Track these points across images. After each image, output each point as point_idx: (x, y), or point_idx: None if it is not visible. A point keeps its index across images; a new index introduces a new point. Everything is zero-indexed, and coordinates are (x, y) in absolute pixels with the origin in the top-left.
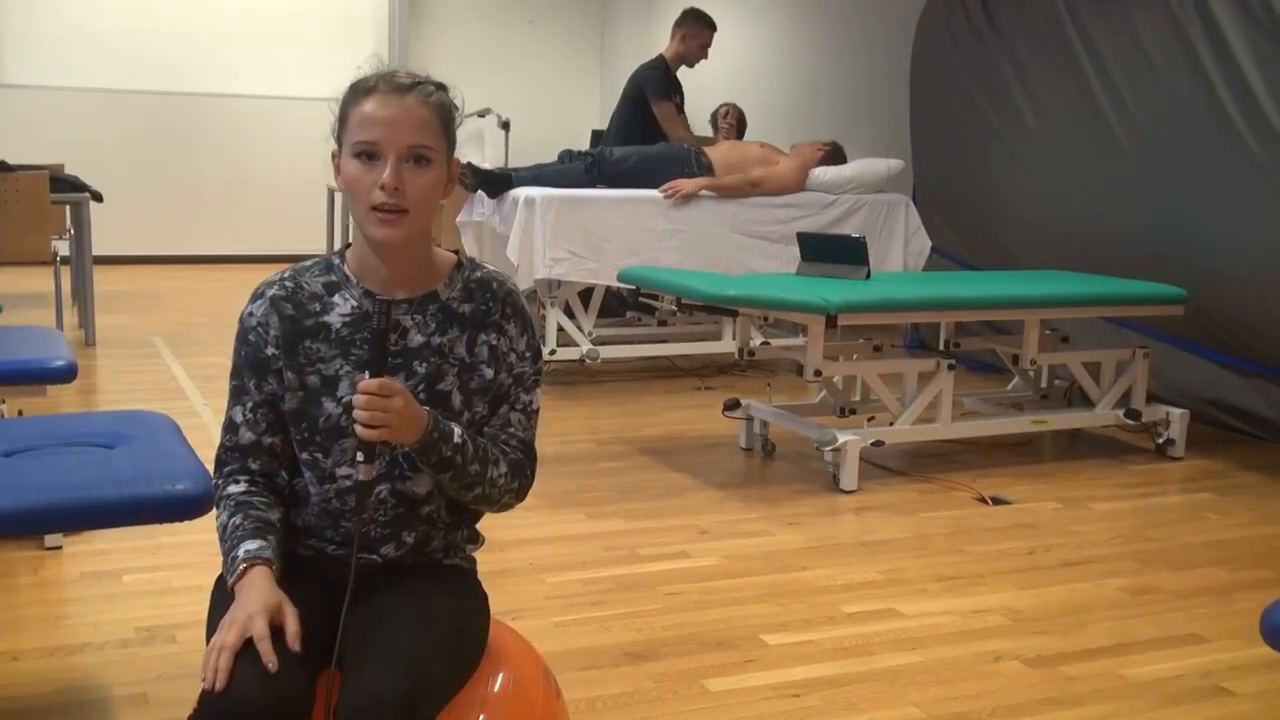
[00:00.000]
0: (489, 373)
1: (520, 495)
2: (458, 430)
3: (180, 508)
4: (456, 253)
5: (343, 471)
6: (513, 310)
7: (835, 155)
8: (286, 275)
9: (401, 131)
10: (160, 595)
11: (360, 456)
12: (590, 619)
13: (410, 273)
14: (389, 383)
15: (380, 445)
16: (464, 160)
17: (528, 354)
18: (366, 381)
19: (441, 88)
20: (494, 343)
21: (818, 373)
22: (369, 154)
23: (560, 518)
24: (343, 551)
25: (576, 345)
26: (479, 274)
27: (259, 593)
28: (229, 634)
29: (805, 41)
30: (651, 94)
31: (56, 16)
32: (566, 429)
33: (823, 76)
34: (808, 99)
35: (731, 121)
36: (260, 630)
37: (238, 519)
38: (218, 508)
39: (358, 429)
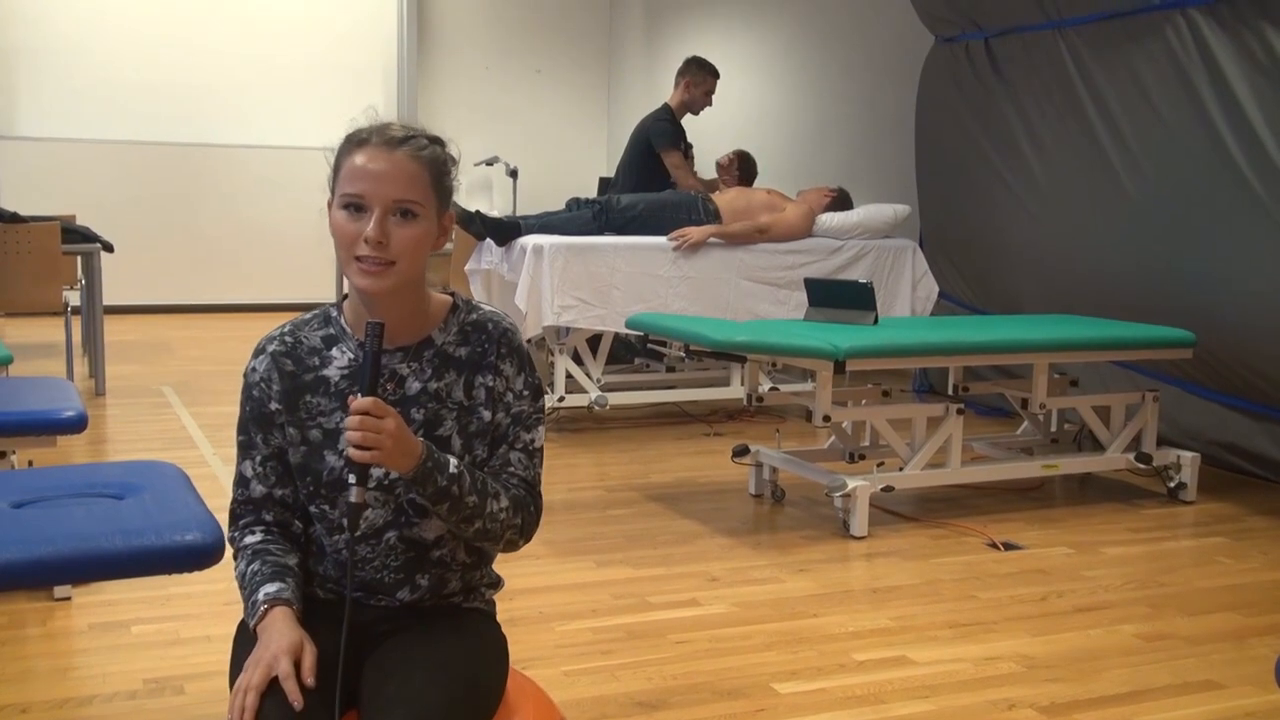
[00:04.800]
0: (487, 415)
1: (525, 533)
2: (454, 461)
3: (189, 558)
4: (453, 294)
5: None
6: (508, 350)
7: (842, 201)
8: (286, 330)
9: (388, 185)
10: (169, 646)
11: (352, 478)
12: (600, 668)
13: (403, 321)
14: (381, 403)
15: (377, 493)
16: (472, 208)
17: (525, 392)
18: (359, 400)
19: (436, 141)
20: (491, 384)
21: (827, 418)
22: (356, 205)
23: (569, 566)
24: (359, 594)
25: (585, 392)
26: (475, 316)
27: (281, 632)
28: (254, 674)
29: (811, 88)
30: (660, 145)
31: (68, 70)
32: (575, 476)
33: (828, 123)
34: (814, 145)
35: (734, 170)
36: (285, 669)
37: (255, 565)
38: (235, 559)
39: (349, 450)
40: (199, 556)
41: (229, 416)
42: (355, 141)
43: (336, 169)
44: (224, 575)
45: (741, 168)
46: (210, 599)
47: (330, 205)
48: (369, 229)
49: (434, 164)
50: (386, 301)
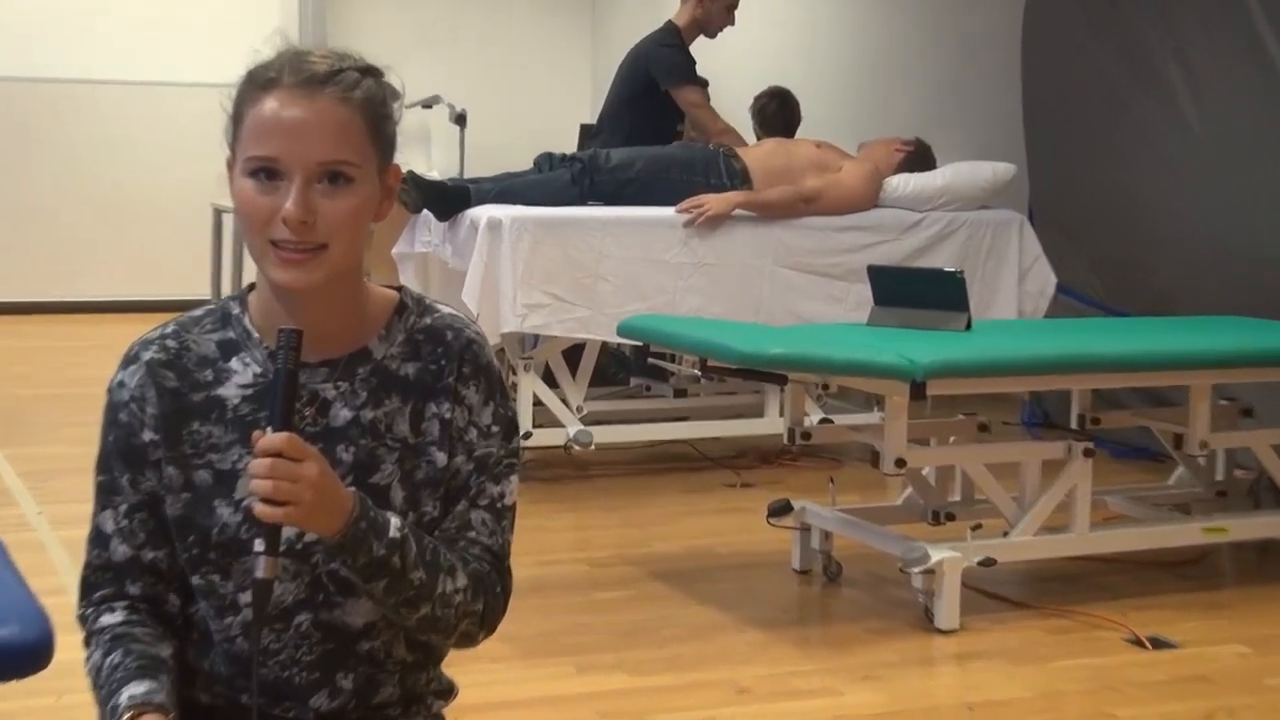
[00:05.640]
0: (441, 458)
1: (486, 623)
2: (396, 522)
3: (6, 662)
4: (400, 290)
5: (247, 599)
6: (473, 369)
7: (920, 158)
8: (169, 331)
9: (310, 143)
10: None
11: (259, 544)
12: None
13: (332, 326)
14: (298, 441)
15: (287, 560)
16: (404, 169)
17: (495, 428)
18: (268, 437)
19: (370, 72)
20: (447, 415)
21: (900, 462)
22: (268, 172)
23: (540, 671)
24: (261, 700)
25: (561, 426)
26: (428, 320)
27: None
28: None
29: (876, 3)
30: (669, 79)
31: None
32: (547, 544)
33: (900, 51)
34: (880, 82)
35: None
36: None
37: (116, 657)
38: (87, 645)
39: (256, 506)
40: (19, 660)
41: (62, 460)
42: (261, 83)
43: (237, 119)
44: (52, 687)
45: (777, 112)
46: (35, 718)
47: (231, 169)
48: (288, 204)
49: (369, 105)
50: (313, 299)
